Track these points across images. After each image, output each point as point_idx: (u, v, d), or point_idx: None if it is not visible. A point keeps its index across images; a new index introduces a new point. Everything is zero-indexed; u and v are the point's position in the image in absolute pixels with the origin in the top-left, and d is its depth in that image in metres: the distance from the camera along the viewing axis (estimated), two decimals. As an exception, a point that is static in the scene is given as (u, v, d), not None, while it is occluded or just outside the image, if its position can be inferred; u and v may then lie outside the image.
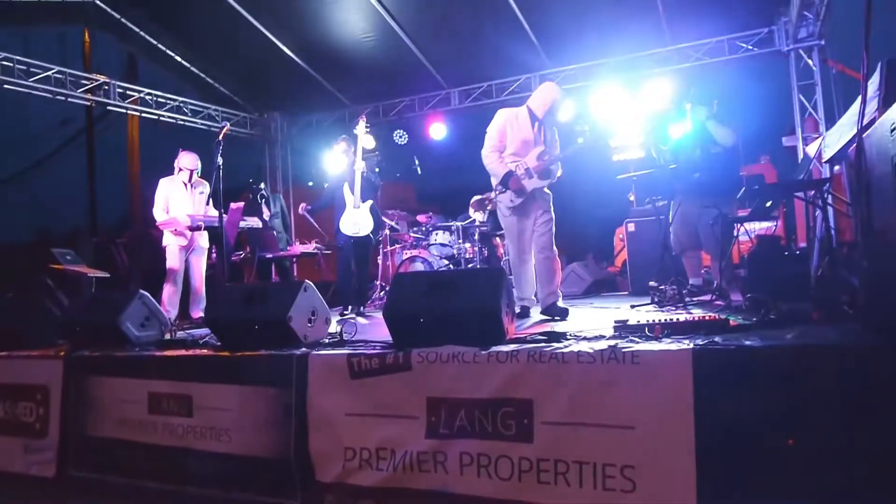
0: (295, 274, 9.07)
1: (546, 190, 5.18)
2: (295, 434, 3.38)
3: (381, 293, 8.05)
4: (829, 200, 4.47)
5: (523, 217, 5.12)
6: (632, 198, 9.33)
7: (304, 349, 3.52)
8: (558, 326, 3.87)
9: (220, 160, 5.04)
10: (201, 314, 6.66)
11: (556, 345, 2.96)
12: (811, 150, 4.89)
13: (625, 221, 8.22)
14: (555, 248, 5.11)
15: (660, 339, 2.95)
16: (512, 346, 3.01)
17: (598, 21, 8.25)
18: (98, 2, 8.45)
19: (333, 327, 4.06)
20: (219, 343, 4.04)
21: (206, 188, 6.91)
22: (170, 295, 6.50)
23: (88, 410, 4.09)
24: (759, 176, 10.32)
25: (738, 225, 5.37)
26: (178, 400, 3.73)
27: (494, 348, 3.01)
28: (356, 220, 6.51)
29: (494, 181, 5.25)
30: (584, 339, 3.14)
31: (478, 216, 8.36)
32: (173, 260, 6.59)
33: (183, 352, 3.91)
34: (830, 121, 7.63)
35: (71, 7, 8.45)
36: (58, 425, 4.20)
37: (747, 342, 2.67)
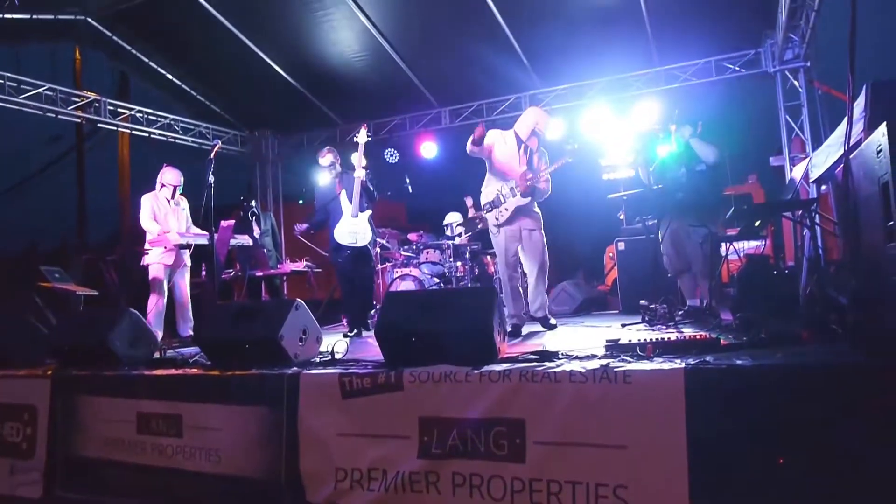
0: (285, 292, 9.03)
1: (536, 209, 5.37)
2: (286, 454, 3.36)
3: (372, 312, 8.02)
4: (817, 220, 4.52)
5: (511, 234, 5.32)
6: (621, 216, 9.39)
7: (295, 368, 3.51)
8: (550, 345, 3.87)
9: (211, 178, 5.04)
10: (191, 332, 6.62)
11: (548, 364, 2.97)
12: (798, 171, 4.96)
13: (615, 240, 8.26)
14: (546, 261, 5.25)
15: (651, 358, 2.96)
16: (504, 366, 3.01)
17: (587, 42, 8.34)
18: (90, 20, 8.47)
19: (324, 346, 4.05)
20: (209, 362, 4.02)
21: (186, 205, 6.87)
22: (155, 314, 6.42)
23: (76, 430, 4.05)
24: (748, 195, 10.42)
25: (728, 244, 5.41)
26: (167, 420, 3.70)
27: (486, 368, 3.02)
28: (354, 230, 6.21)
29: (483, 200, 5.45)
30: (577, 358, 3.14)
31: (459, 229, 8.44)
32: (158, 279, 6.52)
33: (173, 371, 3.88)
34: (817, 141, 7.74)
35: (63, 25, 8.46)
36: (45, 445, 4.16)
37: (738, 362, 2.69)
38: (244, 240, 7.23)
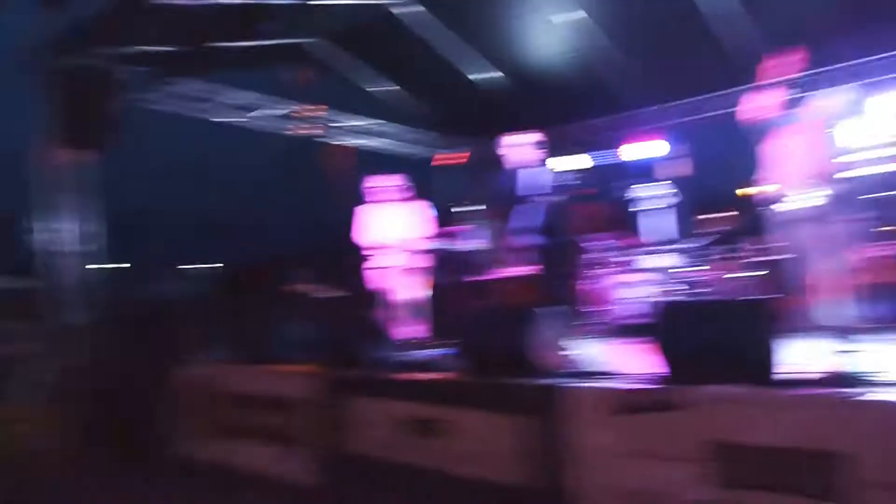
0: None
1: None
2: (550, 467, 3.26)
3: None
4: None
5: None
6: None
7: (561, 379, 3.40)
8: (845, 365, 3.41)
9: (452, 185, 5.04)
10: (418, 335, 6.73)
11: (876, 389, 2.57)
12: None
13: None
14: None
15: None
16: (819, 389, 2.66)
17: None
18: (323, 41, 9.09)
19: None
20: (466, 367, 4.03)
21: (416, 210, 6.92)
22: (390, 318, 6.60)
23: (343, 427, 4.28)
24: None
25: None
26: (430, 423, 3.77)
27: (797, 390, 2.69)
28: None
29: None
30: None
31: None
32: (392, 282, 6.71)
33: (436, 375, 3.96)
34: None
35: (297, 48, 9.13)
36: (313, 438, 4.46)
37: None
38: (468, 244, 7.29)
